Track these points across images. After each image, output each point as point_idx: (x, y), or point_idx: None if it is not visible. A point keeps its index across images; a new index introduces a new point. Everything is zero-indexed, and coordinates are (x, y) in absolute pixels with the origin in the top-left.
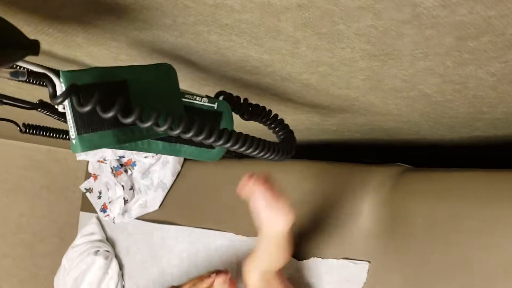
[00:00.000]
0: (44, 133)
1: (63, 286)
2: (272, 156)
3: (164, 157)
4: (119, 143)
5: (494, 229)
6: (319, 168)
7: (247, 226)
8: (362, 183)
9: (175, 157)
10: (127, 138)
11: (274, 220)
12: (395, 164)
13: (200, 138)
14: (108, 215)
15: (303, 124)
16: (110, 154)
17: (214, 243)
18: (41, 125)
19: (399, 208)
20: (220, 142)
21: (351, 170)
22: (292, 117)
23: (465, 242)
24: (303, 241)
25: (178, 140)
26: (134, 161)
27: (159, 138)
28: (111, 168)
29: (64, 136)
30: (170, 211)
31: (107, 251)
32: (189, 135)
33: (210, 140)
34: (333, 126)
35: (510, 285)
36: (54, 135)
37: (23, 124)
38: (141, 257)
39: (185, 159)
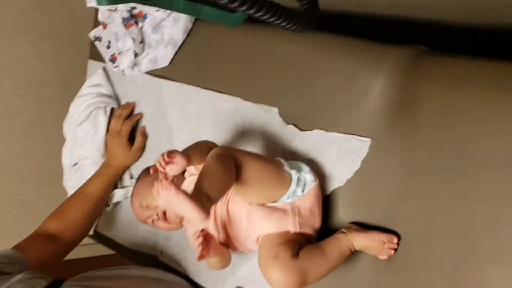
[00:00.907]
0: None
1: (72, 135)
2: (294, 27)
3: (175, 12)
4: None
5: (508, 120)
6: (334, 42)
7: (254, 92)
8: (377, 61)
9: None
10: None
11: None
12: (413, 45)
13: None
14: (117, 66)
15: None
16: (121, 4)
17: (222, 106)
18: None
19: (412, 90)
20: (244, 8)
21: (367, 47)
22: None
23: (474, 131)
24: (309, 112)
25: None
26: (145, 13)
27: None
28: (122, 19)
29: None
30: (179, 70)
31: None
32: None
33: (234, 4)
34: None
35: None
36: None
37: None
38: (149, 112)
39: (196, 17)
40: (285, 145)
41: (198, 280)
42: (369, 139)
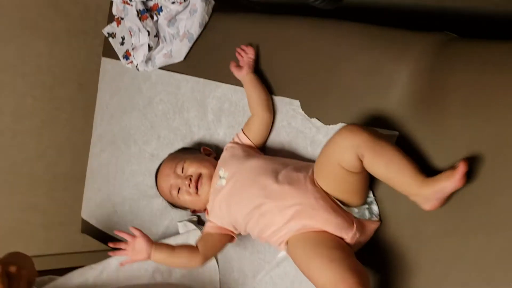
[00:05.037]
0: None
1: None
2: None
3: (192, 5)
4: None
5: None
6: (357, 30)
7: (275, 85)
8: (404, 49)
9: (204, 6)
10: None
11: None
12: (441, 32)
13: None
14: (131, 62)
15: None
16: None
17: (242, 100)
18: None
19: (439, 78)
20: None
21: (393, 35)
22: None
23: (506, 119)
24: (332, 105)
25: None
26: (161, 6)
27: None
28: (137, 11)
29: None
30: (195, 64)
31: None
32: None
33: None
34: None
35: None
36: None
37: None
38: (163, 108)
39: (213, 10)
40: (309, 139)
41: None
42: (396, 132)
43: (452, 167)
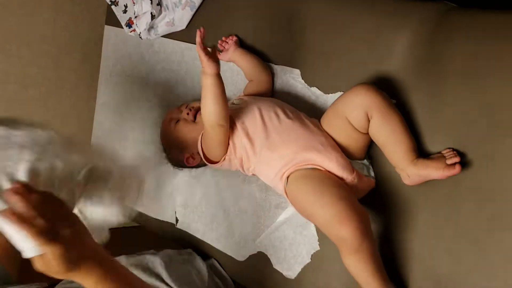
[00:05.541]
0: None
1: None
2: None
3: None
4: None
5: None
6: None
7: (276, 53)
8: (404, 18)
9: None
10: None
11: None
12: (441, 2)
13: None
14: (133, 30)
15: None
16: None
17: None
18: None
19: (438, 48)
20: None
21: (394, 4)
22: None
23: (503, 88)
24: (331, 74)
25: None
26: None
27: None
28: None
29: None
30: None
31: None
32: None
33: None
34: None
35: None
36: None
37: None
38: (166, 76)
39: None
40: (308, 107)
41: (218, 246)
42: (393, 101)
43: (444, 157)
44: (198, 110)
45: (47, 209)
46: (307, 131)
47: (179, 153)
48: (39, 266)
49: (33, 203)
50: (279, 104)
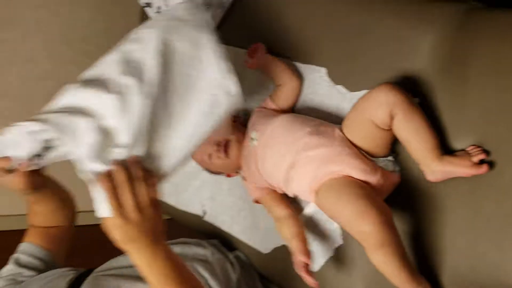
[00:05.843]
0: None
1: None
2: None
3: None
4: None
5: None
6: None
7: (302, 52)
8: (428, 18)
9: None
10: None
11: None
12: (466, 1)
13: None
14: None
15: None
16: None
17: None
18: None
19: (462, 47)
20: None
21: (419, 2)
22: None
23: None
24: (357, 73)
25: None
26: None
27: None
28: None
29: None
30: (225, 31)
31: None
32: None
33: None
34: None
35: None
36: None
37: None
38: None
39: None
40: (333, 106)
41: (243, 238)
42: (416, 99)
43: (469, 154)
44: (225, 143)
45: (140, 187)
46: (324, 145)
47: (219, 173)
48: (104, 226)
49: (132, 176)
50: (298, 124)
